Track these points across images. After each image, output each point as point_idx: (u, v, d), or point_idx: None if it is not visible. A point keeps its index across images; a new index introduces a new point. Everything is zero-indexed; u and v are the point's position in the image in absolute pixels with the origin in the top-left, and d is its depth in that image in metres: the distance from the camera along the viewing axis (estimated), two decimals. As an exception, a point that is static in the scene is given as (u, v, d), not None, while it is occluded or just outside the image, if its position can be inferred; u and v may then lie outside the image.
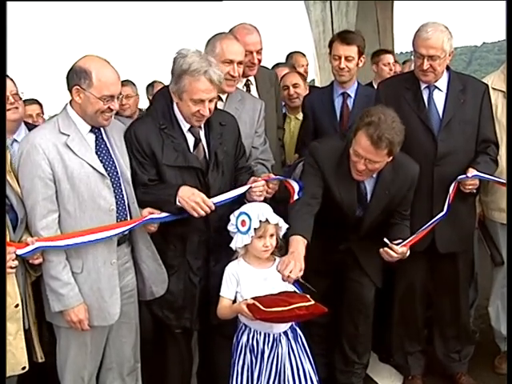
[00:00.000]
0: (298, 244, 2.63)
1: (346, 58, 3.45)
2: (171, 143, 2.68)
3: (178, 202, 2.62)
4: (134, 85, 4.64)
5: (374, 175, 2.88)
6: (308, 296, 2.55)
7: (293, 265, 2.50)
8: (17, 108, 3.03)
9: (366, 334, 3.23)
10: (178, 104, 2.70)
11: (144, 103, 5.19)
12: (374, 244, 2.89)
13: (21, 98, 3.12)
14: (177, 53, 2.66)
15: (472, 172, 2.94)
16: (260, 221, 2.60)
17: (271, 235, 2.64)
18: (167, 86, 2.78)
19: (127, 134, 2.72)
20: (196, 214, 2.61)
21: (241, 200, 2.81)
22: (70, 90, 2.53)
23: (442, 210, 2.97)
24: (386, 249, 2.80)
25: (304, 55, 5.15)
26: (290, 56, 5.12)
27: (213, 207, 2.63)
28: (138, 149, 2.67)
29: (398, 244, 2.81)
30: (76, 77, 2.48)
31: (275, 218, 2.66)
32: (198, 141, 2.76)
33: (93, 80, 2.46)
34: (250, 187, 2.77)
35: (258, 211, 2.63)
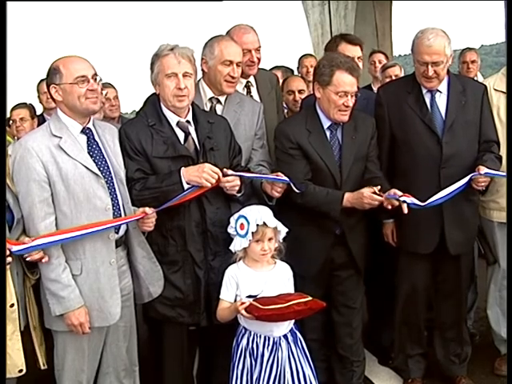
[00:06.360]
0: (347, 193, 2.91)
1: (357, 59, 3.42)
2: (160, 138, 2.74)
3: (187, 184, 2.65)
4: (114, 88, 4.73)
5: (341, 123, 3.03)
6: (305, 294, 2.56)
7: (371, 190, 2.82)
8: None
9: (357, 328, 3.23)
10: (160, 95, 2.78)
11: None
12: (360, 221, 3.06)
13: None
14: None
15: (483, 169, 2.92)
16: (257, 224, 2.60)
17: (270, 239, 2.64)
18: (154, 94, 2.86)
19: (119, 134, 2.77)
20: (209, 184, 2.65)
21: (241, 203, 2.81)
22: (50, 93, 2.58)
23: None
24: (369, 194, 2.84)
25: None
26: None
27: (220, 173, 2.67)
28: (131, 146, 2.72)
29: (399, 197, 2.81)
30: (49, 78, 2.55)
31: (273, 222, 2.64)
32: (187, 134, 2.79)
33: (62, 71, 2.52)
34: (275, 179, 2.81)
35: (257, 215, 2.62)
